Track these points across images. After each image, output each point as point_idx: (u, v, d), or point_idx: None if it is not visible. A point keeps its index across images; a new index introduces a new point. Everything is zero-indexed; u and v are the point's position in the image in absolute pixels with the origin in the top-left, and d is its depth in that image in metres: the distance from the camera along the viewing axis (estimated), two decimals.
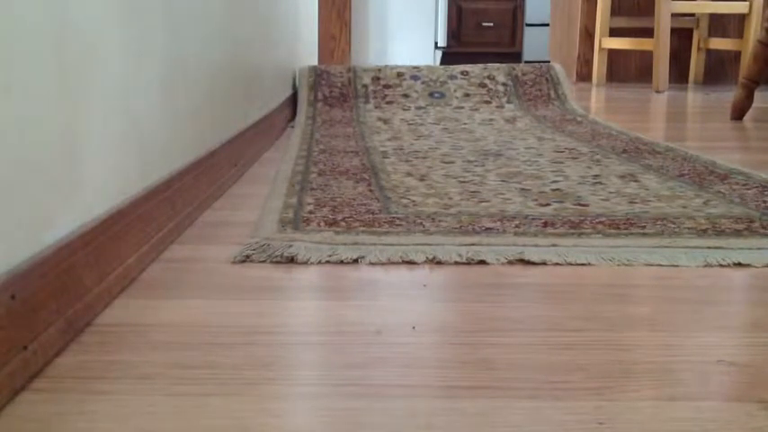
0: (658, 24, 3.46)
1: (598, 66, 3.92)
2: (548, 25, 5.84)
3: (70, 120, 0.72)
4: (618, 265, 0.95)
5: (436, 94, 2.60)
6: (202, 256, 0.97)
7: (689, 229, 1.08)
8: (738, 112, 2.48)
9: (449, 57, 5.85)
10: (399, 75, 2.66)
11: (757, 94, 2.75)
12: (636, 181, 1.41)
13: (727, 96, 3.23)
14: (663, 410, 0.58)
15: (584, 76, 4.15)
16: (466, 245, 1.00)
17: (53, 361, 0.65)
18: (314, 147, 1.82)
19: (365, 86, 2.61)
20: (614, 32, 3.96)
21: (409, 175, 1.47)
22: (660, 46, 3.46)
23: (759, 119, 2.53)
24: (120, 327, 0.74)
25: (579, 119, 2.33)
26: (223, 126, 1.41)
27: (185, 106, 1.14)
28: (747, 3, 3.67)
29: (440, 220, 1.11)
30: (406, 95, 2.59)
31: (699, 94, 3.46)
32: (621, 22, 3.95)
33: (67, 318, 0.68)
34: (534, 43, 6.09)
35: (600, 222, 1.11)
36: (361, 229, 1.07)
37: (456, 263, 0.94)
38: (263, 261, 0.95)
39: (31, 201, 0.65)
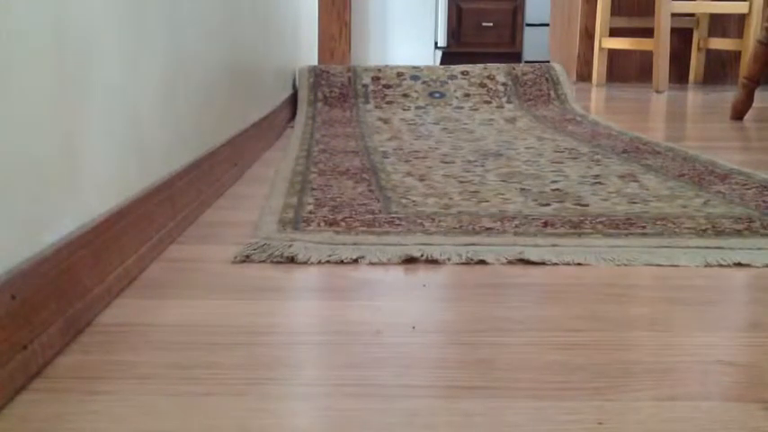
0: (658, 24, 3.46)
1: (598, 66, 3.92)
2: (548, 25, 5.84)
3: (70, 120, 0.72)
4: (618, 265, 0.95)
5: (436, 94, 2.60)
6: (202, 256, 0.97)
7: (689, 229, 1.08)
8: (738, 112, 2.48)
9: (449, 57, 5.84)
10: (399, 75, 2.66)
11: (757, 94, 2.75)
12: (636, 181, 1.41)
13: (727, 96, 3.23)
14: (663, 410, 0.58)
15: (584, 76, 4.15)
16: (466, 245, 1.00)
17: (53, 361, 0.65)
18: (314, 147, 1.82)
19: (365, 86, 2.61)
20: (614, 32, 3.96)
21: (409, 174, 1.47)
22: (660, 46, 3.46)
23: (759, 119, 2.53)
24: (120, 327, 0.74)
25: (579, 119, 2.33)
26: (223, 126, 1.41)
27: (185, 106, 1.14)
28: (747, 3, 3.66)
29: (440, 220, 1.11)
30: (406, 95, 2.59)
31: (699, 94, 3.46)
32: (621, 22, 3.95)
33: (67, 318, 0.68)
34: (534, 43, 6.09)
35: (600, 222, 1.11)
36: (361, 229, 1.07)
37: (456, 263, 0.94)
38: (263, 261, 0.95)
39: (31, 201, 0.65)
